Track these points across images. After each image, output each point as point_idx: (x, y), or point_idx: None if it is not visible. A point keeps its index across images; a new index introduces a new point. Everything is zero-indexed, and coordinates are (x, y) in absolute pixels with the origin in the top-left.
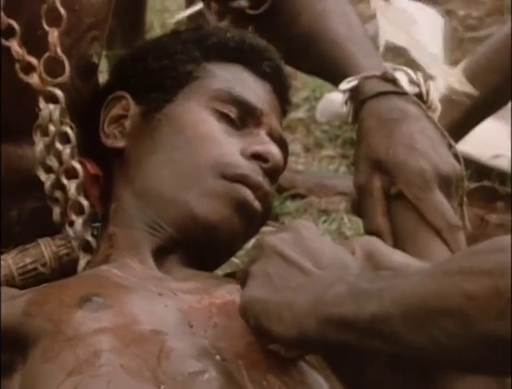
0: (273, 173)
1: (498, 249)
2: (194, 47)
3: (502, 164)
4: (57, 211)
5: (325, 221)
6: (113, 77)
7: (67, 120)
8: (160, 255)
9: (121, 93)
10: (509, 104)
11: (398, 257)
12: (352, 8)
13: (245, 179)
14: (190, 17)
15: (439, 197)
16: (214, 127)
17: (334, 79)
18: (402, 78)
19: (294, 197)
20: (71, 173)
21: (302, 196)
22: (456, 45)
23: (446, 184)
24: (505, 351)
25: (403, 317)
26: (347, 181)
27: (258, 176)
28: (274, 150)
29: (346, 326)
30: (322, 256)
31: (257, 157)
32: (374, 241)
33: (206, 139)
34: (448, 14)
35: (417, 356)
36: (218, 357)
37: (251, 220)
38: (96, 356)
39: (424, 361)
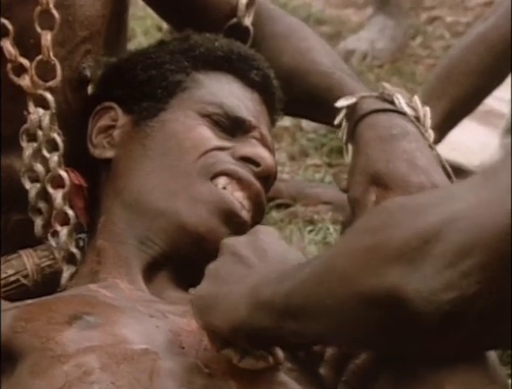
0: (265, 178)
1: (383, 210)
2: (181, 57)
3: None
4: (38, 223)
5: (311, 231)
6: (100, 87)
7: (56, 127)
8: (150, 273)
9: (109, 104)
10: (496, 110)
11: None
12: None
13: (234, 174)
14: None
15: None
16: (205, 133)
17: (327, 107)
18: (400, 99)
19: (279, 206)
20: (57, 182)
21: (287, 205)
22: (443, 52)
23: None
24: (379, 314)
25: (306, 291)
26: (332, 191)
27: (248, 174)
28: (265, 154)
29: (267, 307)
30: (268, 252)
31: (247, 160)
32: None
33: (197, 144)
34: (435, 20)
35: (319, 334)
36: (209, 375)
37: (238, 230)
38: (87, 373)
39: (323, 336)
